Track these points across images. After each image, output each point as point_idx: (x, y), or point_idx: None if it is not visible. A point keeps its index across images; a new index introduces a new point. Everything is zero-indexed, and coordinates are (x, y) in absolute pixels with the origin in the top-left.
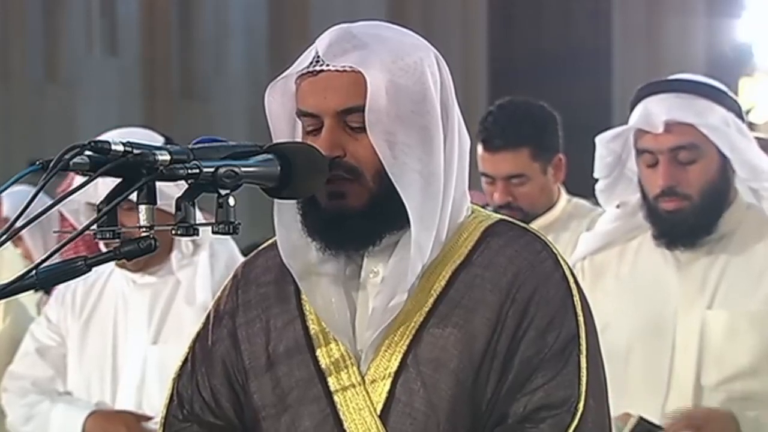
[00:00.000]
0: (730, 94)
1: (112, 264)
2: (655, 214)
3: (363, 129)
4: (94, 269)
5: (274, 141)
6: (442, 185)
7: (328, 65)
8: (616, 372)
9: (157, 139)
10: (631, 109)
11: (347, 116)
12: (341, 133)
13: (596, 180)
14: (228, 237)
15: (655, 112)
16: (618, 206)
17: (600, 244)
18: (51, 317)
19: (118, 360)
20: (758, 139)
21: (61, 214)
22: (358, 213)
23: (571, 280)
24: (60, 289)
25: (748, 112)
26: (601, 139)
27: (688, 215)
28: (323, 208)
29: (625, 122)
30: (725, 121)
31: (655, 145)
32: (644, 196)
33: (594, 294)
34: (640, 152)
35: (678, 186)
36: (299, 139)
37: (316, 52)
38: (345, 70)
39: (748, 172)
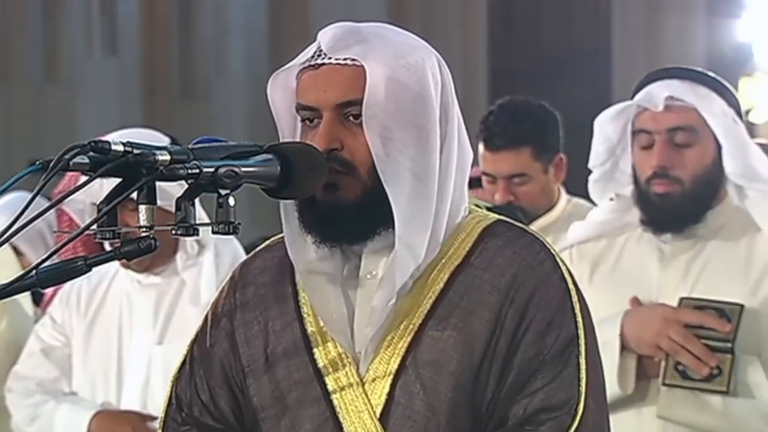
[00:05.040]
0: (733, 90)
1: (116, 264)
2: (645, 198)
3: (361, 124)
4: (99, 269)
5: (279, 132)
6: (436, 186)
7: (330, 58)
8: None
9: (163, 140)
10: (634, 94)
11: (346, 109)
12: (340, 126)
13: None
14: (232, 237)
15: (656, 92)
16: (612, 199)
17: (589, 235)
18: (56, 318)
19: (123, 360)
20: (760, 145)
21: (60, 213)
22: (352, 206)
23: (570, 281)
24: (65, 289)
25: (747, 112)
26: (600, 121)
27: (678, 201)
28: (318, 202)
29: None
30: (724, 113)
31: (653, 125)
32: (636, 181)
33: (580, 282)
34: (636, 133)
35: (671, 169)
36: (300, 133)
37: (318, 46)
38: (346, 64)
39: (738, 165)
